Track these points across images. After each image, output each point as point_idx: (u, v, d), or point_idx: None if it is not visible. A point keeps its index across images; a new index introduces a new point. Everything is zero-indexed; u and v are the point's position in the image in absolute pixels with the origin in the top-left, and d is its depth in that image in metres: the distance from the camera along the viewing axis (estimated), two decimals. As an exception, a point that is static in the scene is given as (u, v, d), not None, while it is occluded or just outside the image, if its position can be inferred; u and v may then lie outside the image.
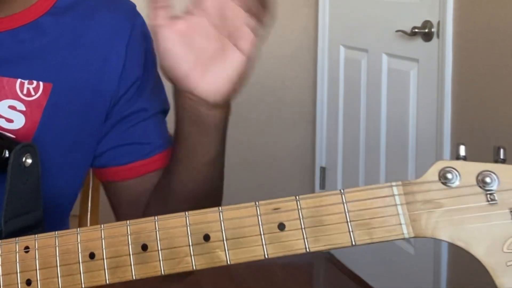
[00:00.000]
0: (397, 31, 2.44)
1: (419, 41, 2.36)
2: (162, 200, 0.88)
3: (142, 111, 0.92)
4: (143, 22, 0.95)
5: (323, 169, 3.07)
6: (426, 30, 2.32)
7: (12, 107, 0.85)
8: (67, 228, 0.91)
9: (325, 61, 3.04)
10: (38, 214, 0.78)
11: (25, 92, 0.85)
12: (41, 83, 0.86)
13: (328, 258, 3.02)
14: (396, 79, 2.54)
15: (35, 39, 0.87)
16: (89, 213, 1.22)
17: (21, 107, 0.85)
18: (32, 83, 0.86)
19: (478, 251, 0.58)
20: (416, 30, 2.34)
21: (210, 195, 0.87)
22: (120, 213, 0.94)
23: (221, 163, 0.86)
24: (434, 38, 2.29)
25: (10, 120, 0.85)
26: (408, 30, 2.38)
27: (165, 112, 0.97)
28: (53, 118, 0.86)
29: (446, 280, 2.27)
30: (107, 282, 0.66)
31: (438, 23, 2.26)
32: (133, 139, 0.92)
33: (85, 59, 0.88)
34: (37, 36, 0.87)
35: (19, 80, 0.85)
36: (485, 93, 2.08)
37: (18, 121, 0.85)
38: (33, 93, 0.86)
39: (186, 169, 0.84)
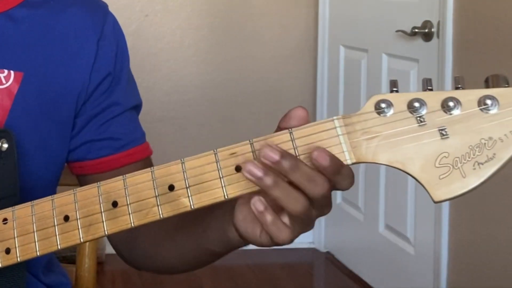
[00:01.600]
0: (397, 31, 2.44)
1: (419, 41, 2.36)
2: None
3: (115, 105, 0.94)
4: (114, 20, 0.97)
5: (323, 169, 3.07)
6: (426, 30, 2.32)
7: None
8: None
9: (325, 61, 3.04)
10: (15, 200, 0.79)
11: None
12: (12, 72, 0.88)
13: (328, 258, 3.02)
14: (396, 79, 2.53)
15: (7, 29, 0.89)
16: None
17: None
18: (3, 72, 0.88)
19: (414, 169, 0.63)
20: (416, 30, 2.34)
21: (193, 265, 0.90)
22: None
23: (217, 258, 0.85)
24: (434, 38, 2.29)
25: None
26: (408, 30, 2.38)
27: (137, 107, 1.00)
28: (23, 106, 0.88)
29: (446, 280, 2.27)
30: (81, 240, 0.71)
31: (438, 23, 2.26)
32: (106, 134, 0.94)
33: (56, 51, 0.91)
34: (9, 26, 0.89)
35: None
36: (485, 93, 2.07)
37: None
38: (4, 81, 0.87)
39: (189, 244, 0.85)
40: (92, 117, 0.93)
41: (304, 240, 3.11)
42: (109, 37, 0.94)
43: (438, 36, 2.27)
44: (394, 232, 2.57)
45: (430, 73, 2.31)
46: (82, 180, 0.97)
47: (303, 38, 3.13)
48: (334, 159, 0.64)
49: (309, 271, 3.10)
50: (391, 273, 2.60)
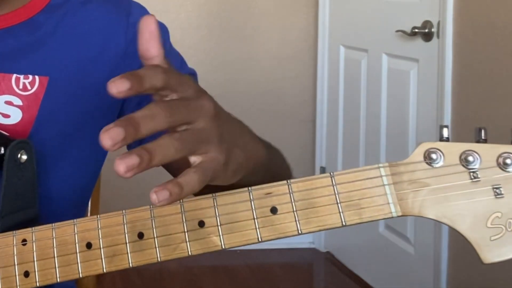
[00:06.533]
0: (397, 31, 2.44)
1: (419, 41, 2.36)
2: None
3: None
4: (137, 5, 0.93)
5: (323, 169, 3.07)
6: (426, 30, 2.32)
7: (9, 103, 0.85)
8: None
9: (325, 61, 3.04)
10: (34, 211, 0.78)
11: (21, 87, 0.86)
12: (37, 77, 0.86)
13: (328, 258, 3.02)
14: (396, 79, 2.54)
15: (30, 34, 0.87)
16: (89, 213, 1.22)
17: (18, 101, 0.85)
18: (28, 78, 0.86)
19: (463, 228, 0.60)
20: (416, 30, 2.34)
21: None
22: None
23: (261, 169, 0.79)
24: (434, 38, 2.29)
25: (6, 116, 0.85)
26: (408, 30, 2.38)
27: (192, 75, 0.96)
28: (50, 111, 0.86)
29: (446, 280, 2.27)
30: (104, 270, 0.67)
31: (438, 23, 2.26)
32: None
33: (81, 50, 0.88)
34: (32, 32, 0.87)
35: (14, 75, 0.85)
36: (485, 93, 2.08)
37: (15, 116, 0.85)
38: (29, 87, 0.86)
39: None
40: (143, 99, 0.88)
41: (304, 240, 3.11)
42: (137, 23, 0.92)
43: (438, 36, 2.27)
44: (394, 232, 2.57)
45: (430, 73, 2.31)
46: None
47: (303, 38, 3.13)
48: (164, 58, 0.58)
49: (309, 271, 3.10)
50: (391, 273, 2.60)
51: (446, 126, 0.61)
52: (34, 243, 0.70)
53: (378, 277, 2.68)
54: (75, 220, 0.69)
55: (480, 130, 0.61)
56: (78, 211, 0.93)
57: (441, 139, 0.61)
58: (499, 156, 0.59)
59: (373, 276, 2.71)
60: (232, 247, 0.65)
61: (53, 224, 0.70)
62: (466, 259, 2.18)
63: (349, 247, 2.91)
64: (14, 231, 0.72)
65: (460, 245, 2.20)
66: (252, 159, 0.71)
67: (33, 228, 0.71)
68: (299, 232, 0.64)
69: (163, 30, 0.93)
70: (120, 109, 0.91)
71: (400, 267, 2.53)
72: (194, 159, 0.58)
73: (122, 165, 0.52)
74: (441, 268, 2.26)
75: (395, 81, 2.54)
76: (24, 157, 0.77)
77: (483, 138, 0.60)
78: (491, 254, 0.59)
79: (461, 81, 2.18)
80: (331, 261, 2.99)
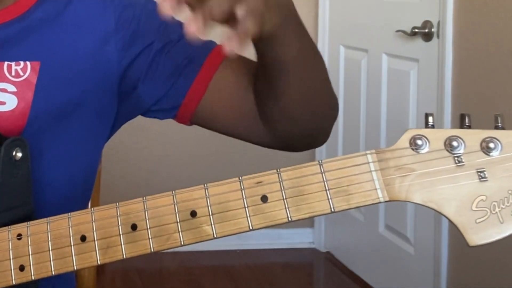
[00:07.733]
0: (397, 31, 2.44)
1: (419, 41, 2.36)
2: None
3: (168, 44, 0.91)
4: None
5: (323, 169, 3.08)
6: (426, 30, 2.32)
7: (3, 90, 0.86)
8: None
9: (325, 61, 3.03)
10: (28, 208, 0.79)
11: (13, 73, 0.86)
12: (28, 63, 0.87)
13: (328, 258, 3.02)
14: (396, 79, 2.54)
15: (18, 23, 0.88)
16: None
17: (12, 88, 0.86)
18: (19, 64, 0.87)
19: (449, 211, 0.61)
20: (416, 30, 2.34)
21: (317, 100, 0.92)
22: (233, 127, 0.96)
23: (312, 64, 0.90)
24: (434, 38, 2.29)
25: (2, 103, 0.86)
26: (408, 30, 2.38)
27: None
28: (46, 95, 0.87)
29: (446, 280, 2.27)
30: (99, 262, 0.69)
31: (438, 23, 2.26)
32: (177, 67, 0.90)
33: (71, 34, 0.89)
34: (21, 21, 0.88)
35: (6, 63, 0.86)
36: (485, 93, 2.08)
37: (11, 103, 0.86)
38: (21, 73, 0.86)
39: (282, 75, 0.85)
40: (153, 71, 0.90)
41: (304, 240, 3.11)
42: (123, 1, 0.92)
43: (438, 36, 2.27)
44: (394, 232, 2.57)
45: (430, 73, 2.31)
46: (202, 122, 0.94)
47: (303, 38, 3.13)
48: None
49: (309, 271, 3.10)
50: (391, 273, 2.60)
51: (431, 114, 0.64)
52: (29, 237, 0.71)
53: (378, 277, 2.68)
54: (69, 213, 0.71)
55: (464, 116, 0.63)
56: (77, 201, 0.94)
57: (426, 126, 0.63)
58: (483, 141, 0.61)
59: (373, 276, 2.72)
60: (224, 236, 0.66)
61: (48, 218, 0.71)
62: (466, 259, 2.18)
63: (349, 247, 2.91)
64: (9, 226, 0.72)
65: (460, 245, 2.20)
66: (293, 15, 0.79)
67: (28, 222, 0.72)
68: (289, 219, 0.65)
69: (148, 8, 0.95)
70: (118, 89, 0.92)
71: (400, 267, 2.53)
72: (240, 13, 0.66)
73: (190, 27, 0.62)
74: (441, 268, 2.26)
75: (395, 81, 2.54)
76: (19, 154, 0.78)
77: (467, 124, 0.62)
78: (477, 236, 0.60)
79: (461, 81, 2.18)
80: (331, 261, 2.99)
